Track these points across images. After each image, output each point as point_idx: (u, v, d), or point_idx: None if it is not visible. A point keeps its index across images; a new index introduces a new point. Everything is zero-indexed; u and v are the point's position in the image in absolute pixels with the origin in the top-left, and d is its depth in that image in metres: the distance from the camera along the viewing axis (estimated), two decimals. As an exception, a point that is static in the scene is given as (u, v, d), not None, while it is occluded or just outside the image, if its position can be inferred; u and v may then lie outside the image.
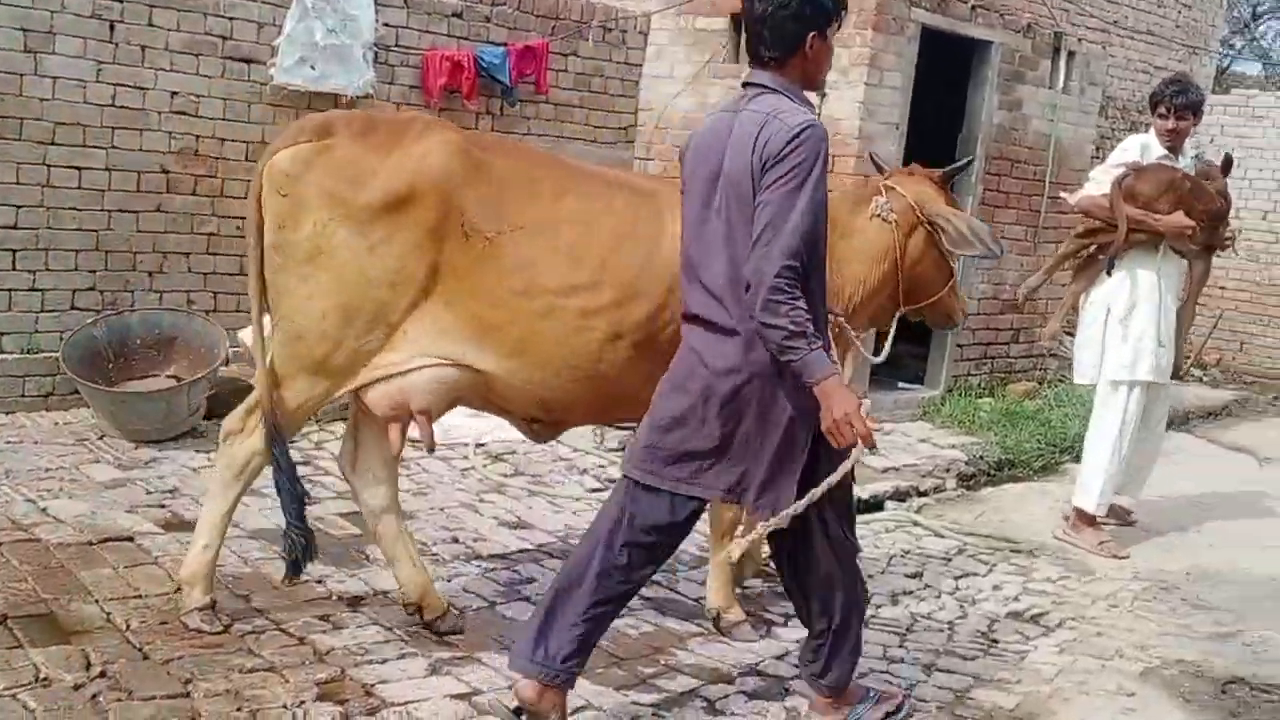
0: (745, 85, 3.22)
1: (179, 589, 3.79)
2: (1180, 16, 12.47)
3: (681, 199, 3.30)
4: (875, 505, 6.29)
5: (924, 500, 6.53)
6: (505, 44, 7.37)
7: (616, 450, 6.23)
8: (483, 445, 6.23)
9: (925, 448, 7.52)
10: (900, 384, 8.51)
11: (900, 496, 6.47)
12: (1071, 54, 8.52)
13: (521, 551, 4.89)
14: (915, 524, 5.95)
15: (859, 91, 7.11)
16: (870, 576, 5.00)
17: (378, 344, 3.56)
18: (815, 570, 3.36)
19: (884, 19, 7.11)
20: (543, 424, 3.90)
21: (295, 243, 3.50)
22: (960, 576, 5.20)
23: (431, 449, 3.94)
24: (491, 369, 3.60)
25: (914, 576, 5.13)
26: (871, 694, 3.61)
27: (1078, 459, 6.42)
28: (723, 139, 3.13)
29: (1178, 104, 5.59)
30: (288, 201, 3.49)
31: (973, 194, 8.03)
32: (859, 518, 5.37)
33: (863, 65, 7.07)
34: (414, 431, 3.77)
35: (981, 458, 7.50)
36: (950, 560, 5.43)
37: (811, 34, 3.11)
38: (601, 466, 6.14)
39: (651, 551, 3.27)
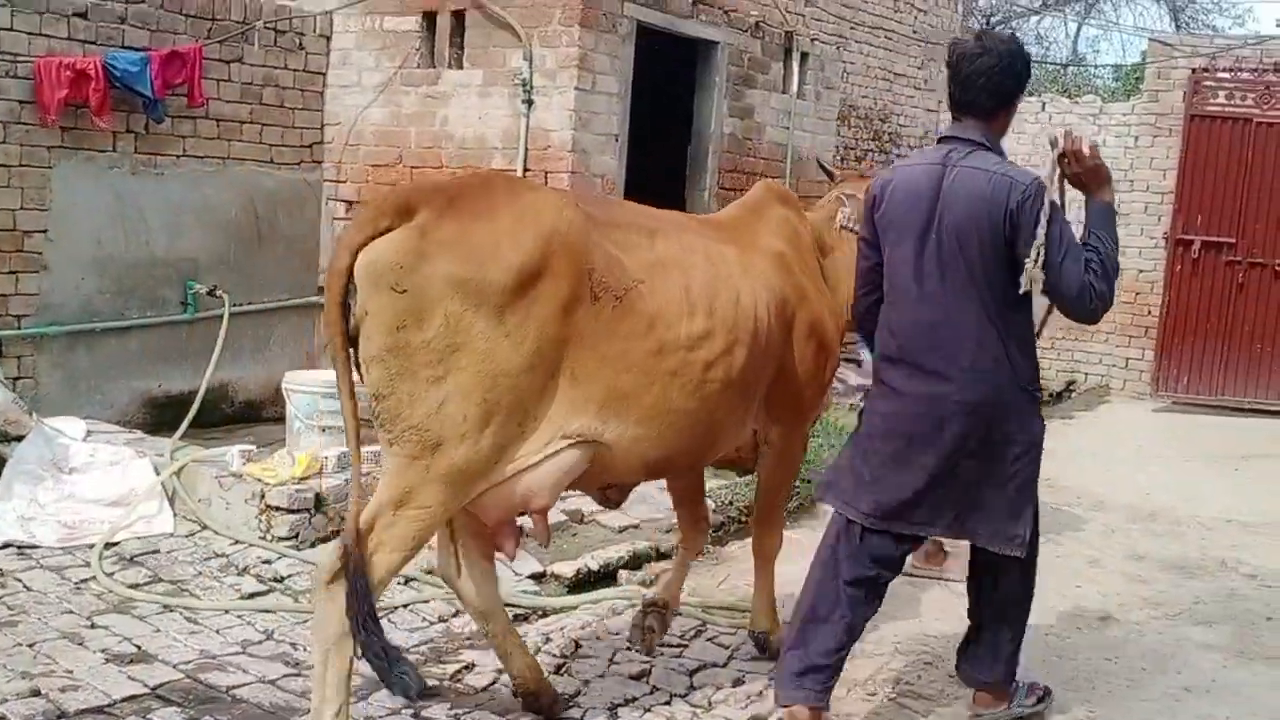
0: (950, 139, 3.46)
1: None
2: (916, 21, 12.25)
3: (862, 245, 3.62)
4: (608, 576, 5.39)
5: (665, 564, 5.65)
6: (146, 49, 6.14)
7: (288, 539, 5.11)
8: (114, 545, 4.99)
9: (668, 497, 6.69)
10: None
11: (636, 562, 5.59)
12: (805, 56, 7.90)
13: (128, 700, 3.71)
14: (649, 600, 5.06)
15: (569, 98, 6.23)
16: (586, 683, 4.09)
17: (517, 436, 3.20)
18: (1001, 585, 3.67)
19: (593, 14, 6.25)
20: (621, 488, 3.82)
21: (422, 343, 3.04)
22: (696, 670, 4.32)
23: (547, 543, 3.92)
24: (617, 440, 3.35)
25: (640, 677, 4.22)
26: (1019, 686, 3.84)
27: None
28: (935, 191, 3.37)
29: None
30: (407, 299, 3.01)
31: (706, 210, 7.29)
32: (583, 599, 4.88)
33: (572, 68, 6.19)
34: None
35: (731, 503, 6.75)
36: (687, 646, 4.55)
37: (1019, 93, 3.45)
38: (267, 562, 4.99)
39: (878, 584, 3.58)
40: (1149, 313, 11.49)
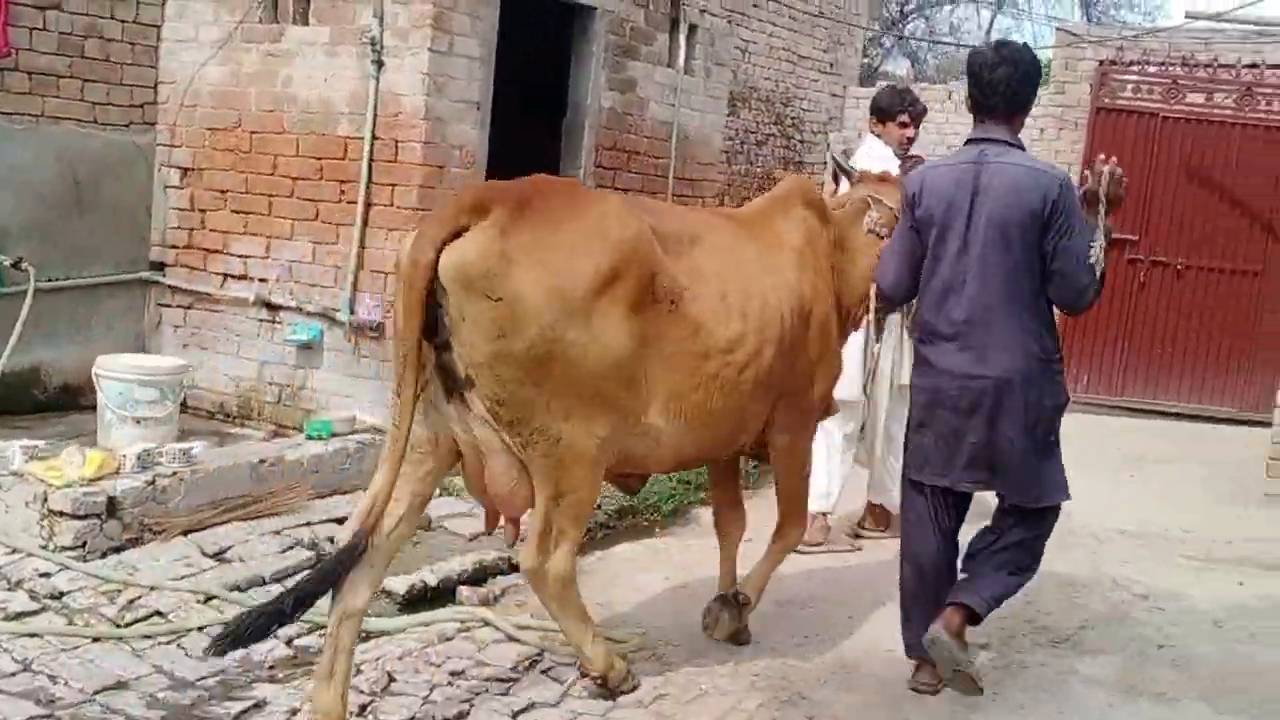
0: (980, 140, 3.82)
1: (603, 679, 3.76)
2: (823, 3, 11.80)
3: (906, 236, 3.93)
4: (447, 592, 4.84)
5: (512, 579, 5.11)
6: (-63, -12, 5.42)
7: (73, 549, 4.46)
8: None
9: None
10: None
11: (479, 577, 5.03)
12: (694, 29, 7.38)
13: None
14: (486, 623, 4.51)
15: (423, 60, 5.62)
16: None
17: (620, 424, 3.40)
18: (1011, 535, 3.95)
19: (450, -32, 5.66)
20: (640, 476, 4.01)
21: (523, 351, 3.10)
22: (522, 711, 3.80)
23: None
24: (667, 435, 3.55)
25: (457, 720, 3.69)
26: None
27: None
28: (973, 187, 3.73)
29: (917, 111, 5.83)
30: (502, 307, 3.05)
31: (581, 189, 6.74)
32: (411, 620, 4.44)
33: (426, 27, 5.59)
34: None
35: (599, 506, 6.24)
36: (517, 680, 4.01)
37: (1033, 98, 3.90)
38: (45, 575, 4.35)
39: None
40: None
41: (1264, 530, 6.70)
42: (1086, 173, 3.78)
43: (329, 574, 3.20)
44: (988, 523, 4.04)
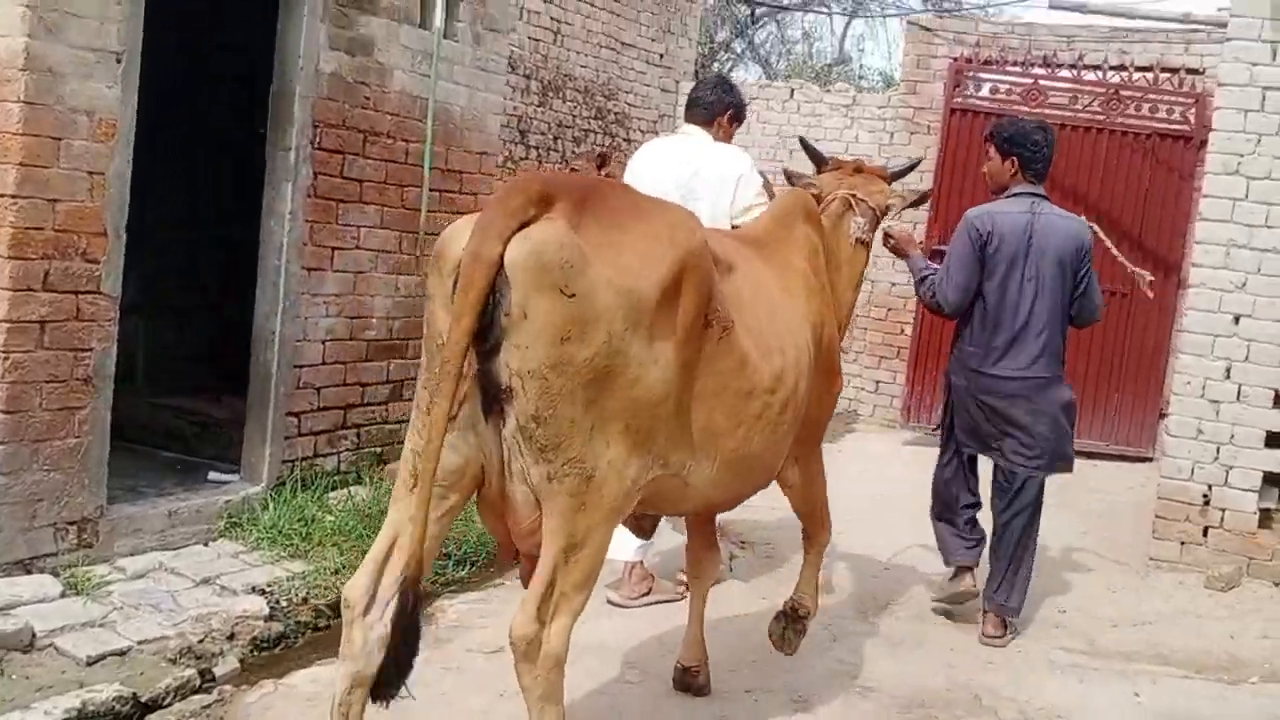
0: (1025, 195, 4.88)
1: None
2: (652, -12, 10.44)
3: (976, 264, 4.83)
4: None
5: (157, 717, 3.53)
6: None
7: None
8: None
9: (207, 594, 4.54)
10: (214, 473, 5.49)
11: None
12: (458, -19, 5.87)
13: None
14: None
15: (27, -13, 3.98)
16: None
17: (647, 467, 2.93)
18: (1015, 505, 4.92)
19: None
20: (655, 518, 4.23)
21: (584, 361, 2.67)
22: None
23: None
24: (695, 477, 3.14)
25: None
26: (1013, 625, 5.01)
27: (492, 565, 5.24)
28: (1029, 232, 4.78)
29: (744, 111, 5.27)
30: (575, 305, 2.64)
31: (290, 179, 5.15)
32: None
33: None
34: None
35: (305, 600, 4.67)
36: None
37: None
38: None
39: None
40: (902, 331, 10.04)
41: (1150, 607, 5.46)
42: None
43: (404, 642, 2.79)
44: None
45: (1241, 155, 5.74)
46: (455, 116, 6.02)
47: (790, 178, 4.43)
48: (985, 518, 5.11)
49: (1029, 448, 4.82)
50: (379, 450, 5.85)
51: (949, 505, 5.10)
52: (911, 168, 4.54)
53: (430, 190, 5.91)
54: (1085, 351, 9.19)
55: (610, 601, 4.88)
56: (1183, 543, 5.83)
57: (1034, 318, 4.77)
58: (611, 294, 2.71)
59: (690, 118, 5.08)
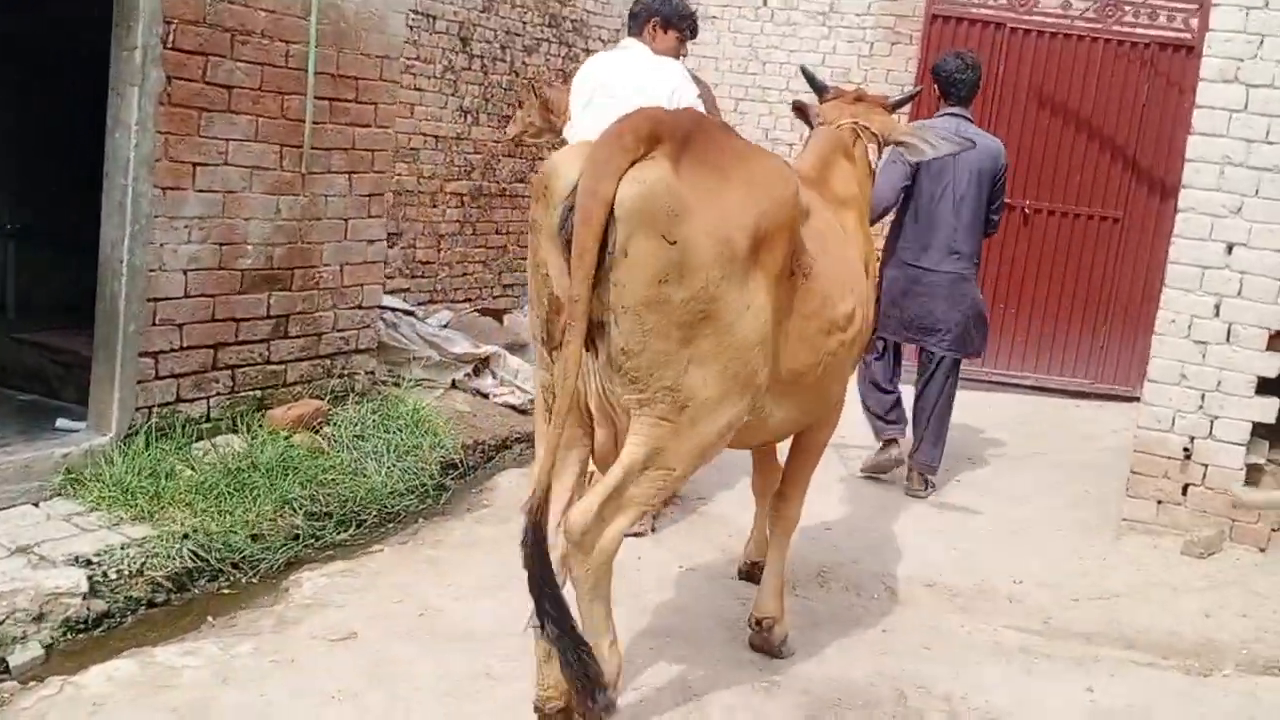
0: (952, 114, 5.65)
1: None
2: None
3: (906, 170, 5.56)
4: None
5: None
6: None
7: None
8: None
9: (18, 565, 3.92)
10: (62, 420, 4.86)
11: None
12: None
13: None
14: None
15: None
16: None
17: (743, 411, 3.05)
18: (934, 383, 5.83)
19: None
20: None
21: (680, 302, 2.78)
22: None
23: None
24: (774, 420, 3.33)
25: None
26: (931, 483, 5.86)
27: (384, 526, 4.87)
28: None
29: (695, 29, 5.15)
30: (676, 251, 2.74)
31: (137, 83, 4.44)
32: None
33: None
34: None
35: (140, 572, 4.07)
36: None
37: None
38: None
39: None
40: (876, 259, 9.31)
41: (1119, 577, 4.84)
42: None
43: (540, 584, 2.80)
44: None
45: (1241, 60, 4.98)
46: (348, 14, 5.28)
47: (800, 110, 4.37)
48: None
49: (946, 333, 5.71)
50: (259, 394, 5.20)
51: (877, 395, 5.90)
52: (911, 98, 4.69)
53: (318, 99, 5.20)
54: (1072, 278, 8.50)
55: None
56: (1159, 502, 5.18)
57: (959, 222, 5.62)
58: (710, 243, 2.77)
59: (629, 31, 5.01)
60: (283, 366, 5.30)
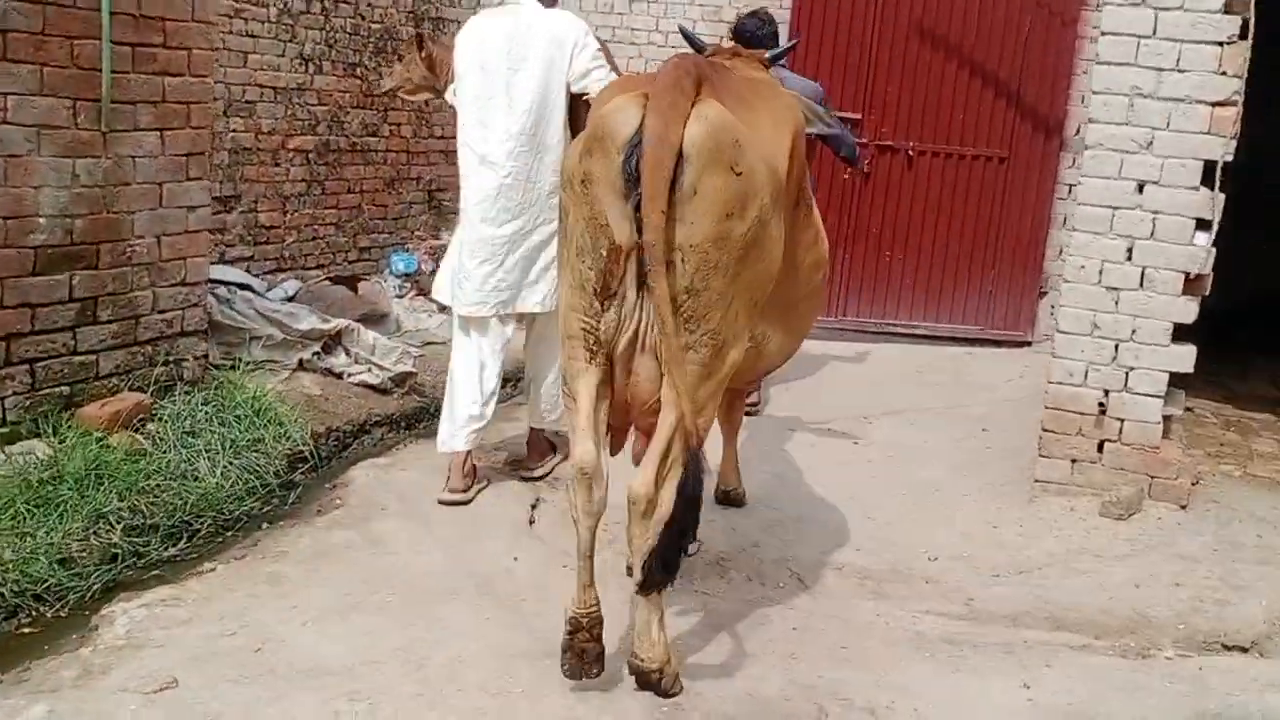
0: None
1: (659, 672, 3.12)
2: None
3: None
4: None
5: None
6: None
7: None
8: None
9: None
10: None
11: None
12: None
13: None
14: None
15: None
16: None
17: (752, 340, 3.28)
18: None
19: None
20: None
21: (739, 235, 2.92)
22: None
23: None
24: (768, 349, 3.51)
25: None
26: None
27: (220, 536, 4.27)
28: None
29: None
30: (741, 182, 2.90)
31: None
32: None
33: None
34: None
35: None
36: None
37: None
38: None
39: None
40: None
41: (1040, 547, 4.48)
42: None
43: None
44: None
45: (1148, -19, 4.60)
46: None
47: (686, 35, 4.29)
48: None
49: None
50: (67, 390, 4.47)
51: None
52: (786, 52, 4.41)
53: (117, 44, 4.45)
54: (958, 222, 8.17)
55: (442, 501, 4.54)
56: (1074, 460, 4.83)
57: None
58: (765, 170, 2.95)
59: None
60: (93, 357, 4.57)
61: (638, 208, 2.81)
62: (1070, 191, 8.22)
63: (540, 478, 4.87)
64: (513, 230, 4.45)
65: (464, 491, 4.57)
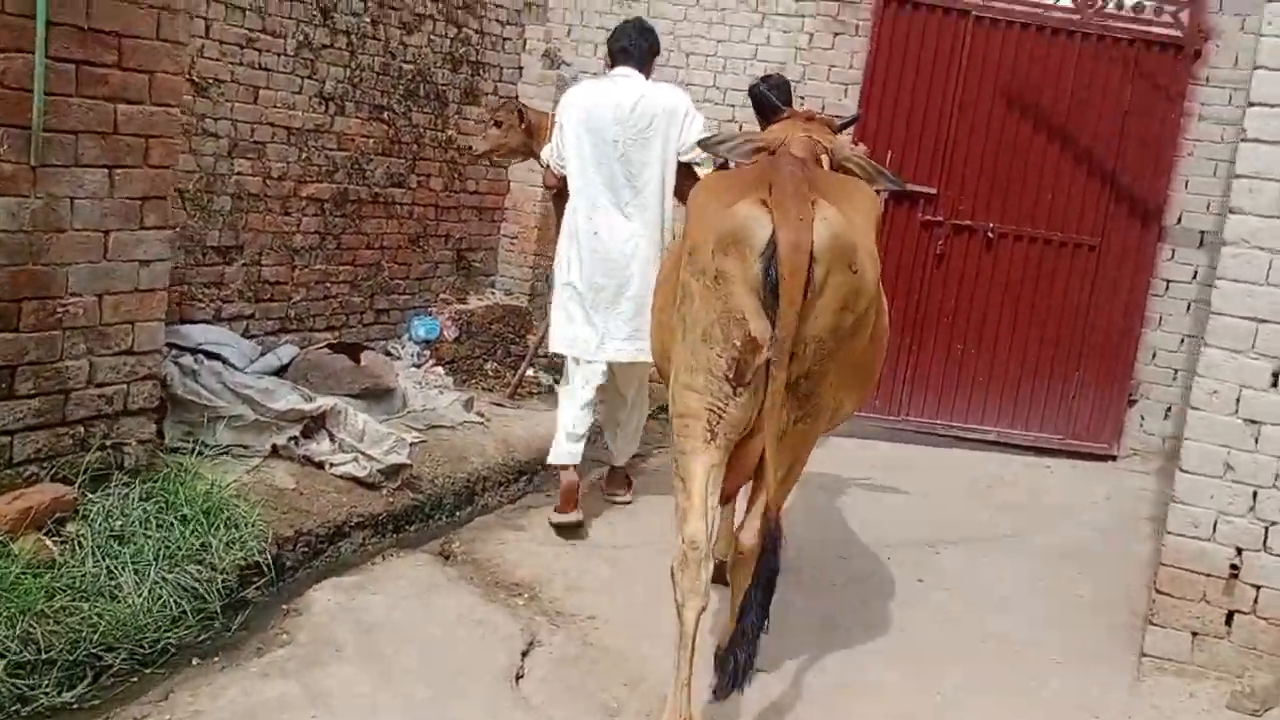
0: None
1: None
2: None
3: None
4: None
5: None
6: None
7: None
8: None
9: None
10: None
11: None
12: None
13: None
14: None
15: None
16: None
17: None
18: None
19: None
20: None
21: (850, 323, 3.19)
22: None
23: None
24: (843, 412, 3.69)
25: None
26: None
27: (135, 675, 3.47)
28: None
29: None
30: (857, 279, 3.16)
31: None
32: None
33: None
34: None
35: None
36: None
37: None
38: None
39: None
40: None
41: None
42: None
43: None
44: None
45: (1313, 47, 3.75)
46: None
47: (760, 96, 4.68)
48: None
49: None
50: (-23, 475, 3.71)
51: None
52: (853, 121, 4.54)
53: (55, 60, 3.72)
54: (1040, 315, 7.27)
55: (550, 522, 4.98)
56: (1195, 633, 3.92)
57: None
58: (871, 265, 3.21)
59: (620, 62, 5.15)
60: (8, 439, 3.79)
61: (772, 304, 3.02)
62: (1168, 287, 7.35)
63: (628, 503, 5.39)
64: (615, 286, 4.96)
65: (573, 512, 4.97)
